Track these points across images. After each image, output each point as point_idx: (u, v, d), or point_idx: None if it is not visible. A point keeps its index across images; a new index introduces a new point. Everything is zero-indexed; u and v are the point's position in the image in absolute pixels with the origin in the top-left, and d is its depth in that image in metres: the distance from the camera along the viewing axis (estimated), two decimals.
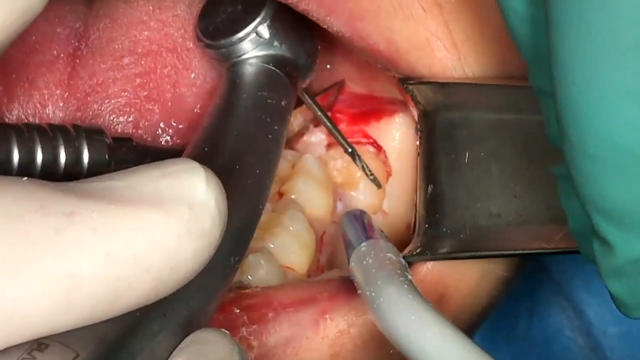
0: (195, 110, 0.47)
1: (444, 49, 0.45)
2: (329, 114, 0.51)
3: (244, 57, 0.44)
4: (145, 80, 0.47)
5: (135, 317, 0.32)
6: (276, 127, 0.42)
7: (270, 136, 0.42)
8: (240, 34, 0.44)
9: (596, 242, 0.35)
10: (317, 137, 0.52)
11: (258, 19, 0.44)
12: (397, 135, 0.51)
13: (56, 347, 0.29)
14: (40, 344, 0.29)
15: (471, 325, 0.48)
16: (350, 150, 0.50)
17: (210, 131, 0.42)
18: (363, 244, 0.42)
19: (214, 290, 0.36)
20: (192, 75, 0.47)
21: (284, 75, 0.44)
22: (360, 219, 0.46)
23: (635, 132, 0.31)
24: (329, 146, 0.52)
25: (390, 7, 0.44)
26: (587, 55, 0.31)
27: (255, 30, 0.44)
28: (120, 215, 0.30)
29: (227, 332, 0.34)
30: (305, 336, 0.43)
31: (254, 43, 0.44)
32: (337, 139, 0.50)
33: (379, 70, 0.47)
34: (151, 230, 0.30)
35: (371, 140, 0.52)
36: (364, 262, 0.41)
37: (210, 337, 0.34)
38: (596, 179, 0.33)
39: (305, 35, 0.46)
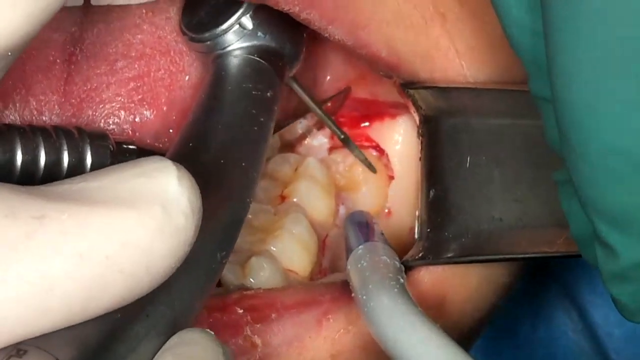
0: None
1: (446, 58, 0.45)
2: (332, 118, 0.51)
3: (229, 49, 0.44)
4: (139, 84, 0.46)
5: (117, 320, 0.31)
6: (262, 119, 0.42)
7: (256, 128, 0.42)
8: (224, 26, 0.44)
9: (598, 247, 0.35)
10: (320, 141, 0.52)
11: (241, 10, 0.43)
12: (400, 139, 0.51)
13: (35, 352, 0.29)
14: (18, 350, 0.29)
15: (472, 331, 0.48)
16: (342, 136, 0.50)
17: (194, 126, 0.41)
18: (360, 246, 0.43)
19: (200, 288, 0.36)
20: (187, 77, 0.47)
21: (269, 66, 0.44)
22: (361, 221, 0.46)
23: (635, 137, 0.31)
24: (331, 149, 0.52)
25: (391, 16, 0.44)
26: (585, 62, 0.31)
27: (238, 21, 0.44)
28: (92, 217, 0.30)
29: (212, 332, 0.34)
30: (307, 336, 0.43)
31: (238, 34, 0.44)
32: (329, 125, 0.50)
33: (381, 75, 0.47)
34: (123, 230, 0.30)
35: (374, 144, 0.52)
36: (359, 265, 0.42)
37: (195, 338, 0.34)
38: (597, 184, 0.33)
39: (290, 24, 0.45)
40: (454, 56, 0.45)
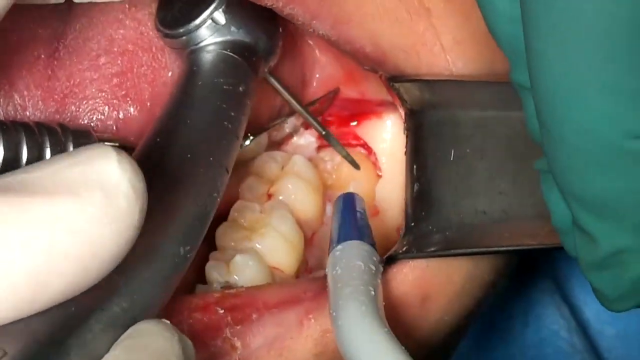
0: None
1: (431, 53, 0.45)
2: (319, 118, 0.51)
3: (202, 44, 0.44)
4: (122, 80, 0.46)
5: (70, 313, 0.31)
6: (233, 114, 0.42)
7: (226, 123, 0.42)
8: (197, 21, 0.44)
9: (578, 235, 0.35)
10: (307, 139, 0.52)
11: (213, 5, 0.44)
12: (388, 138, 0.51)
13: None
14: None
15: (458, 327, 0.48)
16: (324, 132, 0.50)
17: (164, 121, 0.41)
18: (338, 247, 0.43)
19: (162, 282, 0.36)
20: (169, 73, 0.47)
21: (243, 61, 0.44)
22: (350, 205, 0.46)
23: (611, 123, 0.31)
24: (319, 148, 0.52)
25: (376, 11, 0.44)
26: (561, 48, 0.31)
27: (210, 16, 0.44)
28: (33, 206, 0.30)
29: (168, 321, 0.34)
30: (289, 336, 0.43)
31: (211, 29, 0.44)
32: (309, 121, 0.50)
33: (368, 73, 0.47)
34: (65, 217, 0.30)
35: (361, 142, 0.52)
36: (334, 272, 0.42)
37: (149, 329, 0.34)
38: (575, 171, 0.33)
39: (264, 18, 0.45)
40: (439, 51, 0.45)
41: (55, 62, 0.46)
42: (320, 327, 0.43)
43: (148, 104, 0.47)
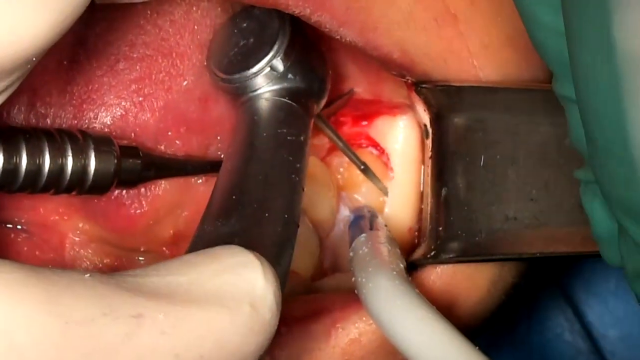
0: (187, 116, 0.47)
1: (459, 59, 0.45)
2: (331, 119, 0.50)
3: (259, 92, 0.43)
4: (140, 86, 0.46)
5: None
6: (298, 165, 0.42)
7: (293, 176, 0.41)
8: (254, 69, 0.43)
9: (624, 245, 0.35)
10: (320, 140, 0.52)
11: (272, 53, 0.43)
12: (400, 138, 0.51)
13: None
14: None
15: (477, 330, 0.48)
16: (362, 167, 0.49)
17: (235, 176, 0.41)
18: (363, 235, 0.43)
19: None
20: (185, 82, 0.46)
21: (300, 107, 0.44)
22: (365, 215, 0.47)
23: None
24: (331, 149, 0.52)
25: (402, 19, 0.43)
26: (607, 62, 0.31)
27: (269, 64, 0.43)
28: (187, 317, 0.30)
29: None
30: (317, 348, 0.43)
31: (268, 77, 0.43)
32: (351, 158, 0.49)
33: (384, 74, 0.46)
34: (217, 330, 0.31)
35: (374, 143, 0.51)
36: (360, 251, 0.42)
37: None
38: (624, 182, 0.33)
39: (317, 60, 0.45)
40: (467, 56, 0.45)
41: (75, 67, 0.45)
42: (347, 337, 0.43)
43: (163, 111, 0.46)
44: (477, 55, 0.45)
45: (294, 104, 0.44)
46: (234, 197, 0.40)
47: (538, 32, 0.35)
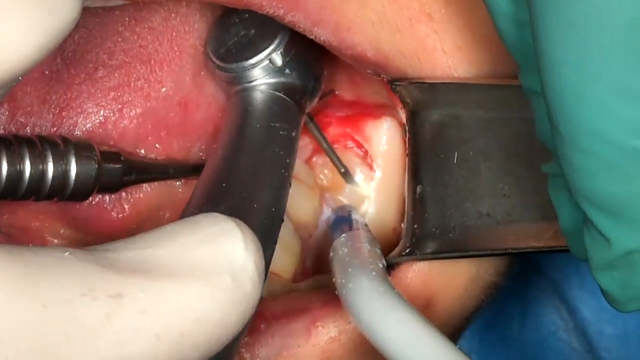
0: (167, 121, 0.47)
1: (433, 58, 0.45)
2: (314, 119, 0.50)
3: (254, 83, 0.44)
4: (119, 94, 0.46)
5: None
6: (288, 160, 0.42)
7: (283, 170, 0.42)
8: (253, 60, 0.43)
9: (588, 237, 0.35)
10: (303, 141, 0.52)
11: (272, 47, 0.43)
12: (384, 139, 0.51)
13: None
14: None
15: (459, 329, 0.48)
16: (343, 170, 0.50)
17: (224, 165, 0.41)
18: (343, 235, 0.43)
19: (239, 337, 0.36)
20: (163, 89, 0.46)
21: (294, 103, 0.44)
22: (345, 215, 0.47)
23: (624, 126, 0.31)
24: (315, 151, 0.52)
25: (376, 18, 0.43)
26: (572, 50, 0.31)
27: (268, 57, 0.43)
28: (167, 293, 0.30)
29: None
30: (296, 345, 0.43)
31: (266, 70, 0.43)
32: (333, 160, 0.50)
33: (367, 76, 0.46)
34: (197, 305, 0.30)
35: (358, 144, 0.51)
36: (340, 252, 0.42)
37: None
38: (588, 173, 0.33)
39: (315, 59, 0.45)
40: (441, 55, 0.45)
41: (54, 75, 0.45)
42: (327, 335, 0.43)
43: (141, 117, 0.46)
44: (451, 55, 0.45)
45: (288, 99, 0.44)
46: (223, 184, 0.40)
47: (499, 21, 0.35)
